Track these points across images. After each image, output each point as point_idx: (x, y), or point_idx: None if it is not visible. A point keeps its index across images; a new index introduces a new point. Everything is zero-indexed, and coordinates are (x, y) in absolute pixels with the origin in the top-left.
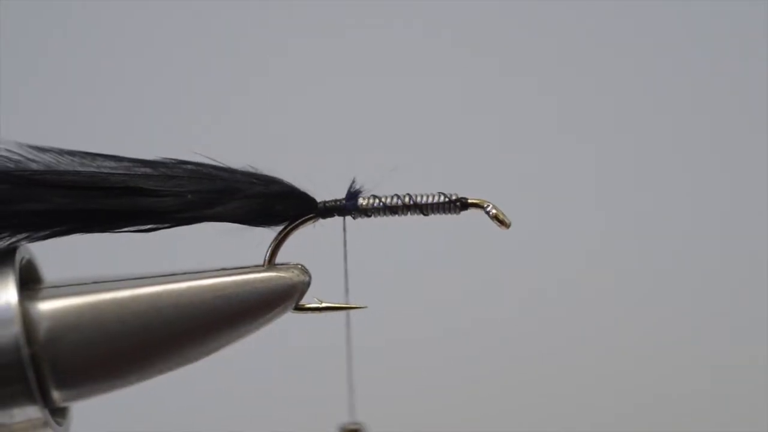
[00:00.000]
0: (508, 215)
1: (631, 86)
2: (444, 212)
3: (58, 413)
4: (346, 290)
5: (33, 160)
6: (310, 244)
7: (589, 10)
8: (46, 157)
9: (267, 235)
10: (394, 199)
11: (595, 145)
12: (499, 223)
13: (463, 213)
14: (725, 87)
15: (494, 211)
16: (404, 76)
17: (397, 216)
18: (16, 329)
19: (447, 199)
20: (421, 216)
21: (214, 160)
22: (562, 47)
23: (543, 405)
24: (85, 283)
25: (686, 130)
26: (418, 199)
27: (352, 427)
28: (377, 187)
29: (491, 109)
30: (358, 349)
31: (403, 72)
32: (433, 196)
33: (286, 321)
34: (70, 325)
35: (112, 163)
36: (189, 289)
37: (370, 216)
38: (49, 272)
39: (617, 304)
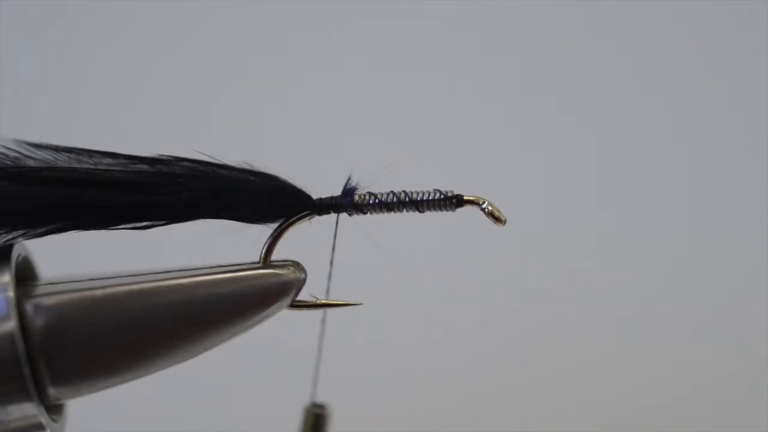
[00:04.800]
0: (504, 212)
1: (633, 83)
2: (440, 209)
3: (54, 410)
4: (329, 283)
5: (30, 157)
6: (307, 241)
7: (589, 9)
8: (43, 154)
9: (263, 232)
10: (390, 196)
11: (596, 143)
12: (494, 220)
13: (459, 210)
14: (726, 84)
15: (490, 208)
16: (400, 74)
17: (393, 213)
18: (11, 326)
19: (443, 196)
20: (417, 213)
21: (211, 157)
22: (563, 45)
23: (542, 405)
24: (81, 280)
25: (687, 128)
26: (414, 195)
27: (317, 411)
28: (373, 183)
29: (489, 106)
30: (354, 348)
31: (399, 70)
32: (429, 193)
33: (282, 318)
34: (65, 322)
35: (109, 160)
36: (185, 286)
37: (366, 213)
38: (45, 269)
39: (617, 304)
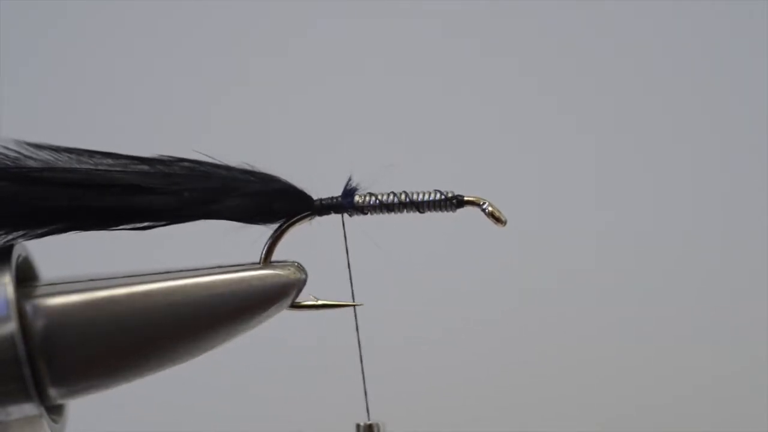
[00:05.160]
0: (505, 212)
1: (633, 83)
2: (440, 210)
3: (55, 411)
4: (351, 285)
5: (30, 158)
6: (307, 241)
7: (589, 9)
8: (44, 155)
9: (263, 232)
10: (390, 197)
11: (596, 143)
12: (495, 221)
13: (460, 210)
14: (726, 84)
15: (490, 208)
16: (400, 74)
17: (393, 214)
18: (12, 326)
19: (443, 197)
20: (418, 214)
21: (211, 158)
22: (563, 45)
23: (542, 405)
24: (81, 281)
25: (687, 128)
26: (414, 196)
27: (369, 423)
28: (374, 184)
29: (489, 106)
30: (353, 348)
31: (399, 70)
32: (430, 194)
33: (282, 318)
34: (66, 323)
35: (110, 161)
36: (185, 286)
37: (366, 213)
38: (45, 270)
39: (617, 304)
